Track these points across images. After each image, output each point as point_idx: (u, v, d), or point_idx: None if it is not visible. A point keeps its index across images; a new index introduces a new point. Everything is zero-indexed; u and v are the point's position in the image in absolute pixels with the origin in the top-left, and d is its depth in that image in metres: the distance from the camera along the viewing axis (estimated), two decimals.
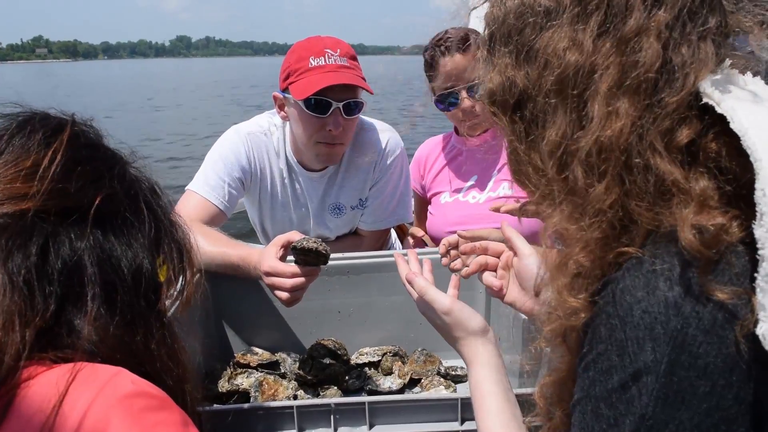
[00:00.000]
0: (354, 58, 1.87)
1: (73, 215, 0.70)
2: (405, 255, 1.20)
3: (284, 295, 1.40)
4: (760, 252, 0.56)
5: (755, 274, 0.56)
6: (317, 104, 1.80)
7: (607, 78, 0.64)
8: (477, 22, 0.88)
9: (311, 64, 1.80)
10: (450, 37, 1.93)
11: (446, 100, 1.99)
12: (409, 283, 1.10)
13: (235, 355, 1.62)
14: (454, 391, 1.51)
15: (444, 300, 1.03)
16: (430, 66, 2.00)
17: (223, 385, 1.48)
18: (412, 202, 2.35)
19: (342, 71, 1.81)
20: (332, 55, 1.82)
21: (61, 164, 0.71)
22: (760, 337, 0.55)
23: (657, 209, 0.62)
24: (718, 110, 0.61)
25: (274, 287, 1.41)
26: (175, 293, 0.83)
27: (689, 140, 0.62)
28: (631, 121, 0.63)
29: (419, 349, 1.64)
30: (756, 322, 0.55)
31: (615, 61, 0.64)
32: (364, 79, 1.85)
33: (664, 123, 0.62)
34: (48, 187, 0.69)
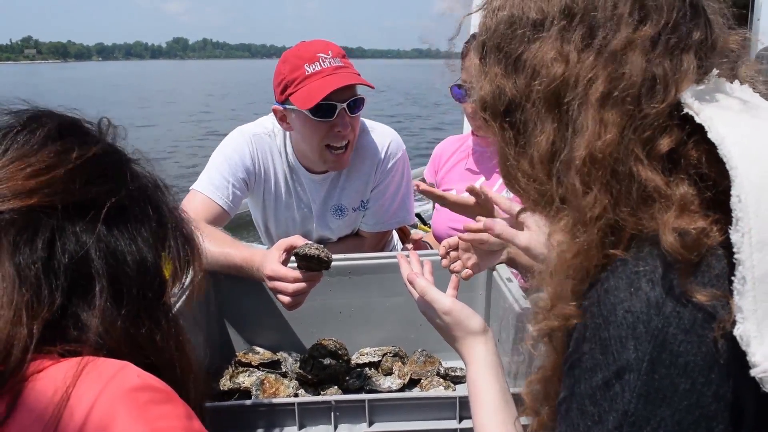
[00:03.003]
0: (345, 57, 1.89)
1: (79, 210, 0.71)
2: (407, 256, 1.22)
3: (286, 299, 1.42)
4: (736, 256, 0.57)
5: (732, 277, 0.58)
6: (323, 109, 1.82)
7: (596, 89, 0.66)
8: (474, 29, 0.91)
9: (308, 71, 1.82)
10: None
11: (462, 91, 2.02)
12: (411, 283, 1.12)
13: (237, 353, 1.64)
14: (454, 391, 1.53)
15: (444, 300, 1.05)
16: (463, 57, 2.02)
17: (225, 384, 1.50)
18: (414, 204, 2.37)
19: (340, 72, 1.83)
20: (326, 58, 1.83)
21: (66, 160, 0.72)
22: (738, 337, 0.57)
23: (640, 214, 0.64)
24: (697, 120, 0.63)
25: (276, 291, 1.43)
26: (181, 287, 0.85)
27: (670, 148, 0.64)
28: (618, 131, 0.65)
29: (419, 350, 1.66)
30: (734, 323, 0.57)
31: (603, 73, 0.66)
32: (358, 74, 1.88)
33: (645, 132, 0.64)
34: (53, 182, 0.70)
